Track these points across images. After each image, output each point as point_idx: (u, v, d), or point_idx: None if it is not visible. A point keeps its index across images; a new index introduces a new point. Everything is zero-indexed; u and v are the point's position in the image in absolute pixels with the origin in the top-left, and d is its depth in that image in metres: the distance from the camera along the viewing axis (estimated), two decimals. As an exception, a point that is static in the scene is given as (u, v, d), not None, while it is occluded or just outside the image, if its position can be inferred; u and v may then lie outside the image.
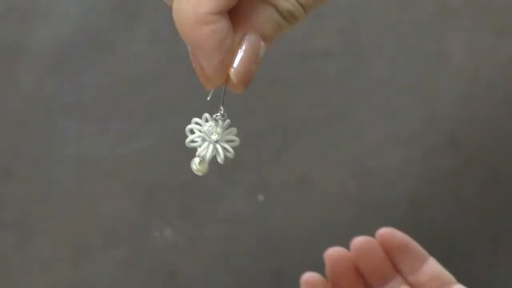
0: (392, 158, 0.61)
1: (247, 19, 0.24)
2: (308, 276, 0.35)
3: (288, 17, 0.25)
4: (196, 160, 0.26)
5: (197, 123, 0.26)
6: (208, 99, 0.26)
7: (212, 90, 0.26)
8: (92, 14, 0.75)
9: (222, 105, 0.26)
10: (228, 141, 0.26)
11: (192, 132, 0.26)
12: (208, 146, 0.26)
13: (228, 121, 0.27)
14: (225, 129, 0.26)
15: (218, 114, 0.26)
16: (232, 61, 0.24)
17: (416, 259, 0.36)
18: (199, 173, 0.27)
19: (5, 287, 0.57)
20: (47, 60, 0.71)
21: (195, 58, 0.24)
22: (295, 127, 0.64)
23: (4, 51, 0.72)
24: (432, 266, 0.36)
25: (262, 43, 0.24)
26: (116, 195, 0.61)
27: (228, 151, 0.26)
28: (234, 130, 0.27)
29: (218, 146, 0.26)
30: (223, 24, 0.23)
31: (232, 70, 0.24)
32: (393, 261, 0.36)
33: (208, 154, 0.26)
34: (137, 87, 0.69)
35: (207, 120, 0.26)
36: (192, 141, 0.26)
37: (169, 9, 0.26)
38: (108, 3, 0.75)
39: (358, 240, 0.36)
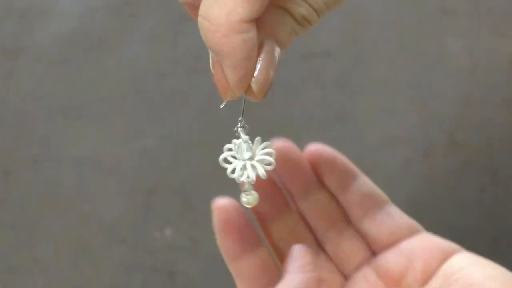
0: (392, 158, 0.61)
1: (263, 26, 0.24)
2: (220, 200, 0.32)
3: (302, 22, 0.25)
4: (242, 193, 0.26)
5: (235, 144, 0.25)
6: (222, 106, 0.25)
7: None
8: (92, 14, 0.75)
9: (242, 116, 0.25)
10: (263, 162, 0.25)
11: (228, 150, 0.25)
12: (237, 166, 0.25)
13: (267, 142, 0.26)
14: (261, 148, 0.25)
15: (238, 125, 0.25)
16: (254, 72, 0.24)
17: (345, 176, 0.33)
18: (248, 206, 0.27)
19: (5, 287, 0.57)
20: (47, 60, 0.71)
21: (218, 66, 0.24)
22: (295, 127, 0.64)
23: (4, 51, 0.72)
24: (364, 184, 0.33)
25: (277, 48, 0.24)
26: (116, 195, 0.61)
27: (259, 170, 0.25)
28: (273, 152, 0.26)
29: (248, 165, 0.25)
30: (254, 34, 0.23)
31: (252, 79, 0.24)
32: (321, 178, 0.33)
33: (236, 174, 0.25)
34: (137, 87, 0.69)
35: (244, 140, 0.26)
36: (226, 160, 0.25)
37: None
38: (108, 3, 0.75)
39: (279, 144, 0.32)
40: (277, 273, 0.31)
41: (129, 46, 0.72)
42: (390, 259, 0.32)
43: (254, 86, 0.24)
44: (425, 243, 0.32)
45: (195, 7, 0.24)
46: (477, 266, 0.30)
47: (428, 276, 0.30)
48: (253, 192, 0.26)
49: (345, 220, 0.34)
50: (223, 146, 0.26)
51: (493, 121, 0.63)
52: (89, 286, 0.57)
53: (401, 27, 0.71)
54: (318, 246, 0.34)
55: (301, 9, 0.24)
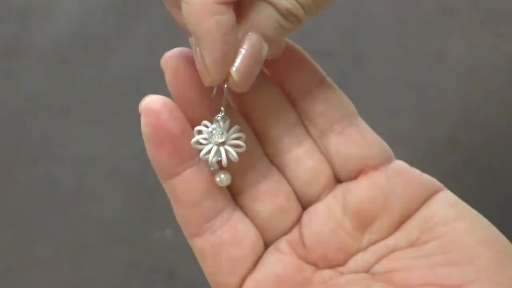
0: (392, 158, 0.61)
1: (248, 18, 0.24)
2: (150, 99, 0.26)
3: (288, 16, 0.24)
4: (216, 173, 0.25)
5: (205, 125, 0.25)
6: (212, 95, 0.26)
7: (216, 87, 0.25)
8: (92, 14, 0.75)
9: (223, 106, 0.25)
10: (234, 146, 0.25)
11: (199, 133, 0.25)
12: (211, 149, 0.25)
13: (237, 126, 0.26)
14: (232, 132, 0.26)
15: (219, 115, 0.25)
16: (233, 59, 0.24)
17: (310, 79, 0.27)
18: (221, 185, 0.25)
19: (5, 287, 0.57)
20: (47, 60, 0.71)
21: (198, 50, 0.24)
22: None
23: (4, 51, 0.72)
24: (331, 91, 0.27)
25: (264, 43, 0.24)
26: (116, 195, 0.61)
27: (231, 154, 0.25)
28: (242, 136, 0.26)
29: (221, 148, 0.25)
30: (228, 17, 0.23)
31: (233, 68, 0.24)
32: (280, 80, 0.27)
33: (211, 157, 0.25)
34: (137, 87, 0.69)
35: (215, 122, 0.25)
36: (198, 143, 0.25)
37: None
38: (108, 3, 0.75)
39: None
40: (223, 199, 0.26)
41: (129, 46, 0.71)
42: (363, 195, 0.26)
43: (234, 74, 0.24)
44: (405, 178, 0.26)
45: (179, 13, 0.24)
46: (465, 220, 0.26)
47: (403, 220, 0.26)
48: (226, 172, 0.25)
49: (303, 126, 0.27)
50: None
51: (493, 121, 0.63)
52: (89, 286, 0.57)
53: (401, 27, 0.71)
54: (267, 157, 0.27)
55: (285, 2, 0.24)
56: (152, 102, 0.25)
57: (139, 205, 0.60)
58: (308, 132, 0.27)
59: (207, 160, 0.25)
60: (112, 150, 0.64)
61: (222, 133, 0.25)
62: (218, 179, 0.25)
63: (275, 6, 0.24)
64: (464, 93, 0.65)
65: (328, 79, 0.28)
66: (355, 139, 0.27)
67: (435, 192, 0.27)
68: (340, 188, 0.27)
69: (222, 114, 0.25)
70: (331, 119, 0.27)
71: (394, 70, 0.67)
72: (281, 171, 0.27)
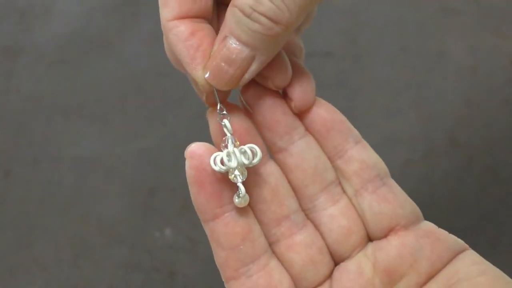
0: (392, 158, 0.61)
1: (225, 24, 0.25)
2: (195, 146, 0.26)
3: (254, 16, 0.24)
4: (237, 193, 0.26)
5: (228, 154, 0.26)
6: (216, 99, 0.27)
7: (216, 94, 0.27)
8: (92, 14, 0.75)
9: (220, 103, 0.27)
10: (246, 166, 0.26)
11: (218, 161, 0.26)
12: (231, 155, 0.26)
13: (258, 157, 0.26)
14: (247, 158, 0.26)
15: (222, 112, 0.27)
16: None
17: (345, 139, 0.28)
18: (239, 206, 0.26)
19: (5, 287, 0.57)
20: (47, 60, 0.71)
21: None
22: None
23: (4, 51, 0.72)
24: (365, 151, 0.28)
25: (239, 47, 0.25)
26: (116, 195, 0.61)
27: (251, 148, 0.26)
28: (253, 145, 0.26)
29: (244, 147, 0.26)
30: (184, 28, 0.26)
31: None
32: (317, 140, 0.28)
33: (237, 159, 0.26)
34: (137, 87, 0.69)
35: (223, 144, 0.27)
36: (222, 162, 0.26)
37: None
38: (108, 3, 0.75)
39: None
40: (260, 245, 0.27)
41: (129, 46, 0.72)
42: (393, 254, 0.27)
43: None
44: (433, 239, 0.27)
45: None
46: (487, 276, 0.26)
47: (430, 278, 0.27)
48: (245, 194, 0.26)
49: (339, 184, 0.28)
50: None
51: (493, 121, 0.63)
52: (89, 286, 0.57)
53: (401, 27, 0.71)
54: (303, 211, 0.28)
55: (247, 0, 0.24)
56: (197, 147, 0.26)
57: (139, 205, 0.60)
58: (343, 189, 0.28)
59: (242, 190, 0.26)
60: (112, 150, 0.64)
61: (234, 141, 0.27)
62: (236, 200, 0.26)
63: (238, 7, 0.24)
64: (464, 93, 0.65)
65: (362, 139, 0.29)
66: (388, 198, 0.28)
67: (461, 251, 0.28)
68: (371, 246, 0.28)
69: (220, 106, 0.27)
70: (365, 179, 0.28)
71: (393, 70, 0.67)
72: (316, 226, 0.28)
